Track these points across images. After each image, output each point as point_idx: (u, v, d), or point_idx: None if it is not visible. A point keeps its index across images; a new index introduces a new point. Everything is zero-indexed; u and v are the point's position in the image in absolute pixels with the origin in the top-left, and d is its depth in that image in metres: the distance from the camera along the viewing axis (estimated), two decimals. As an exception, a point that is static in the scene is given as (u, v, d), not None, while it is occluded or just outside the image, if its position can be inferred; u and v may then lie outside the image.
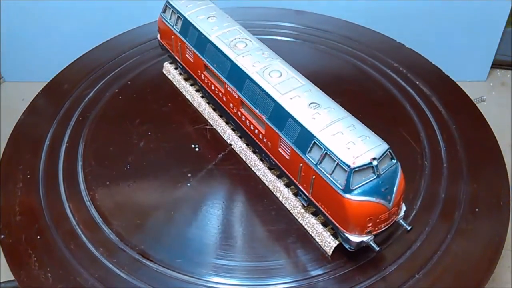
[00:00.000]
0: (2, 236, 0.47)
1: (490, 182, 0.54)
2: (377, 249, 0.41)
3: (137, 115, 0.60)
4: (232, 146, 0.56)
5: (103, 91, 0.63)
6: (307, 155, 0.42)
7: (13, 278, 0.44)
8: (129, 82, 0.65)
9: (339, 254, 0.46)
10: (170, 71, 0.64)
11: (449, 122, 0.60)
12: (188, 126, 0.59)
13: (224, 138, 0.57)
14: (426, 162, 0.55)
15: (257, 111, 0.47)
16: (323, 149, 0.40)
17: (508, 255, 0.68)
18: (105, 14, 0.91)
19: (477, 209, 0.51)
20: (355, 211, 0.40)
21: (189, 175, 0.53)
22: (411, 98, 0.64)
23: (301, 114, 0.43)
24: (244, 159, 0.54)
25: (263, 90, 0.46)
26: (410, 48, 0.71)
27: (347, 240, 0.42)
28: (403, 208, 0.44)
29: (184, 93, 0.62)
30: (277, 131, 0.45)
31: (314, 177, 0.42)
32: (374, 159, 0.39)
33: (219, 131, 0.57)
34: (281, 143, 0.45)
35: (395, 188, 0.40)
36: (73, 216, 0.49)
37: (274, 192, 0.51)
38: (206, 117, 0.59)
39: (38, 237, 0.47)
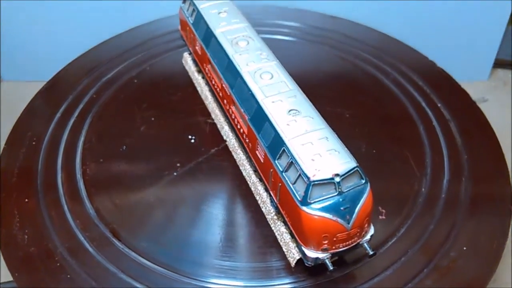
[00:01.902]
0: (3, 194, 0.51)
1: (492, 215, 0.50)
2: (331, 268, 0.40)
3: (145, 100, 0.62)
4: (227, 143, 0.56)
5: (122, 73, 0.66)
6: (276, 161, 0.41)
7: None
8: (147, 68, 0.67)
9: (302, 268, 0.44)
10: (188, 62, 0.65)
11: (462, 151, 0.56)
12: (191, 117, 0.60)
13: (222, 133, 0.57)
14: (423, 189, 0.52)
15: (242, 110, 0.46)
16: (290, 157, 0.39)
17: (508, 254, 0.65)
18: (106, 14, 0.92)
19: (464, 248, 0.47)
20: (310, 225, 0.38)
21: (178, 164, 0.54)
22: (427, 120, 0.60)
23: (278, 119, 0.42)
24: (235, 157, 0.54)
25: (249, 90, 0.45)
26: (440, 68, 0.67)
27: (303, 254, 0.41)
28: (371, 231, 0.42)
29: (195, 84, 0.63)
30: (255, 132, 0.44)
31: (280, 184, 0.41)
32: (336, 175, 0.37)
33: (218, 126, 0.58)
34: (258, 146, 0.44)
35: (357, 209, 0.38)
36: (62, 186, 0.52)
37: (254, 195, 0.51)
38: (210, 111, 0.60)
39: (26, 200, 0.51)
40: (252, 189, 0.51)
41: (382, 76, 0.66)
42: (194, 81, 0.64)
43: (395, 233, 0.48)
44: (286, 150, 0.40)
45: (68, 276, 0.44)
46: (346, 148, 0.40)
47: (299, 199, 0.38)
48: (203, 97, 0.62)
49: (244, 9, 0.57)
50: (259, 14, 0.74)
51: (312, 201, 0.38)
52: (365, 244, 0.41)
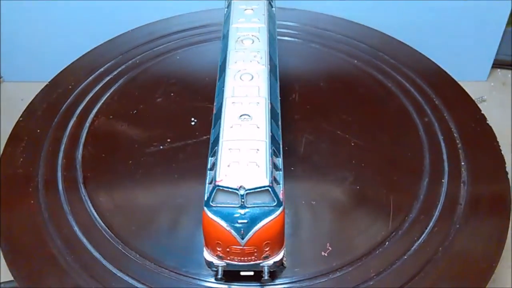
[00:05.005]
0: (21, 118, 0.60)
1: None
2: (219, 276, 0.39)
3: (176, 76, 0.66)
4: (219, 134, 0.57)
5: (169, 48, 0.70)
6: (209, 158, 0.42)
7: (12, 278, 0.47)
8: (194, 48, 0.71)
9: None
10: (229, 51, 0.68)
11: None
12: (203, 101, 0.62)
13: (221, 124, 0.58)
14: (387, 243, 0.47)
15: (214, 103, 0.47)
16: (216, 157, 0.40)
17: (508, 255, 0.63)
18: (106, 14, 0.93)
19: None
20: (206, 227, 0.38)
21: (169, 140, 0.57)
22: (437, 168, 0.54)
23: (227, 120, 0.42)
24: (219, 149, 0.55)
25: (223, 86, 0.46)
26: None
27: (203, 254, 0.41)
28: (276, 257, 0.40)
29: (225, 73, 0.66)
30: (212, 128, 0.45)
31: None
32: (241, 187, 0.37)
33: (221, 117, 0.59)
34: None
35: (255, 228, 0.37)
36: (70, 128, 0.59)
37: (215, 188, 0.51)
38: (222, 101, 0.61)
39: (38, 130, 0.59)
40: (216, 183, 0.52)
41: (410, 108, 0.61)
42: (225, 70, 0.66)
43: (328, 274, 0.45)
44: (216, 150, 0.40)
45: (32, 202, 0.51)
46: (271, 167, 0.38)
47: (205, 199, 0.38)
48: (224, 87, 0.64)
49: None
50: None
51: (214, 205, 0.38)
52: (265, 267, 0.40)
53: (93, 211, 0.50)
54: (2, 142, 0.56)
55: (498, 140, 0.56)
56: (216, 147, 0.41)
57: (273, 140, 0.41)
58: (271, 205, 0.37)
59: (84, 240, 0.47)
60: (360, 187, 0.52)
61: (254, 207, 0.37)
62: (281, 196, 0.38)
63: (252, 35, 0.52)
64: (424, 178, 0.53)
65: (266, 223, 0.37)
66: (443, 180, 0.53)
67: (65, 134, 0.58)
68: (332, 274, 0.45)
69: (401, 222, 0.49)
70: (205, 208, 0.38)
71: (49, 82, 0.65)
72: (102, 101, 0.63)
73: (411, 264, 0.46)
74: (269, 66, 0.48)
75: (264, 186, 0.37)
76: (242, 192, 0.37)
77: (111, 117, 0.60)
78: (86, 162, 0.55)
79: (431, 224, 0.49)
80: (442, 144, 0.57)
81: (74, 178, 0.53)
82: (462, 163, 0.55)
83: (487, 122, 0.59)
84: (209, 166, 0.41)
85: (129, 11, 0.93)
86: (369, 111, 0.61)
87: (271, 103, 0.45)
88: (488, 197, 0.51)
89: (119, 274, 0.45)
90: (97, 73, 0.66)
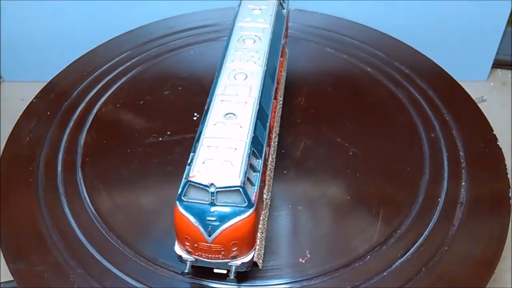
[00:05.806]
0: (35, 100, 0.63)
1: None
2: (186, 271, 0.40)
3: (186, 71, 0.67)
4: (218, 131, 0.58)
5: (186, 44, 0.71)
6: (191, 154, 0.42)
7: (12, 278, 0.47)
8: (208, 45, 0.71)
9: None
10: (241, 50, 0.68)
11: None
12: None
13: (222, 122, 0.59)
14: (369, 256, 0.46)
15: (207, 100, 0.48)
16: (194, 153, 0.40)
17: (508, 255, 0.68)
18: (105, 14, 0.92)
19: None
20: (176, 221, 0.39)
21: (169, 133, 0.58)
22: (435, 187, 0.52)
23: (213, 117, 0.42)
24: (215, 146, 0.56)
25: (216, 83, 0.47)
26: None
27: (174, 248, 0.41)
28: (245, 259, 0.40)
29: (234, 72, 0.66)
30: (200, 124, 0.45)
31: (185, 176, 0.42)
32: (212, 185, 0.37)
33: (223, 115, 0.60)
34: (197, 136, 0.46)
35: (223, 227, 0.37)
36: (78, 113, 0.61)
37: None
38: (227, 99, 0.62)
39: (48, 113, 0.61)
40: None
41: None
42: (235, 69, 0.66)
43: (302, 282, 0.44)
44: (197, 146, 0.40)
45: (30, 180, 0.53)
46: (247, 167, 0.38)
47: (178, 193, 0.39)
48: (231, 84, 0.64)
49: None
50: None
51: (185, 200, 0.38)
52: (233, 267, 0.40)
53: (86, 196, 0.51)
54: (2, 142, 0.57)
55: (500, 145, 0.56)
56: (197, 143, 0.41)
57: (256, 141, 0.41)
58: (242, 205, 0.37)
59: (72, 221, 0.49)
60: (351, 197, 0.51)
61: (224, 205, 0.37)
62: (253, 198, 0.38)
63: (255, 35, 0.52)
64: (419, 195, 0.51)
65: (235, 223, 0.37)
66: (439, 199, 0.51)
67: (73, 118, 0.60)
68: (306, 282, 0.44)
69: (387, 237, 0.47)
70: (177, 202, 0.38)
71: (66, 67, 0.67)
72: (112, 89, 0.64)
73: (390, 281, 0.44)
74: (266, 67, 0.48)
75: (235, 186, 0.37)
76: (212, 189, 0.37)
77: (118, 105, 0.62)
78: (87, 147, 0.57)
79: (418, 243, 0.47)
80: (445, 162, 0.55)
81: (73, 161, 0.55)
82: (463, 183, 0.53)
83: (498, 143, 0.57)
84: (188, 161, 0.41)
85: (130, 10, 0.92)
86: (374, 120, 0.60)
87: (260, 104, 0.44)
88: (486, 222, 0.49)
89: (98, 257, 0.46)
90: (112, 62, 0.68)
